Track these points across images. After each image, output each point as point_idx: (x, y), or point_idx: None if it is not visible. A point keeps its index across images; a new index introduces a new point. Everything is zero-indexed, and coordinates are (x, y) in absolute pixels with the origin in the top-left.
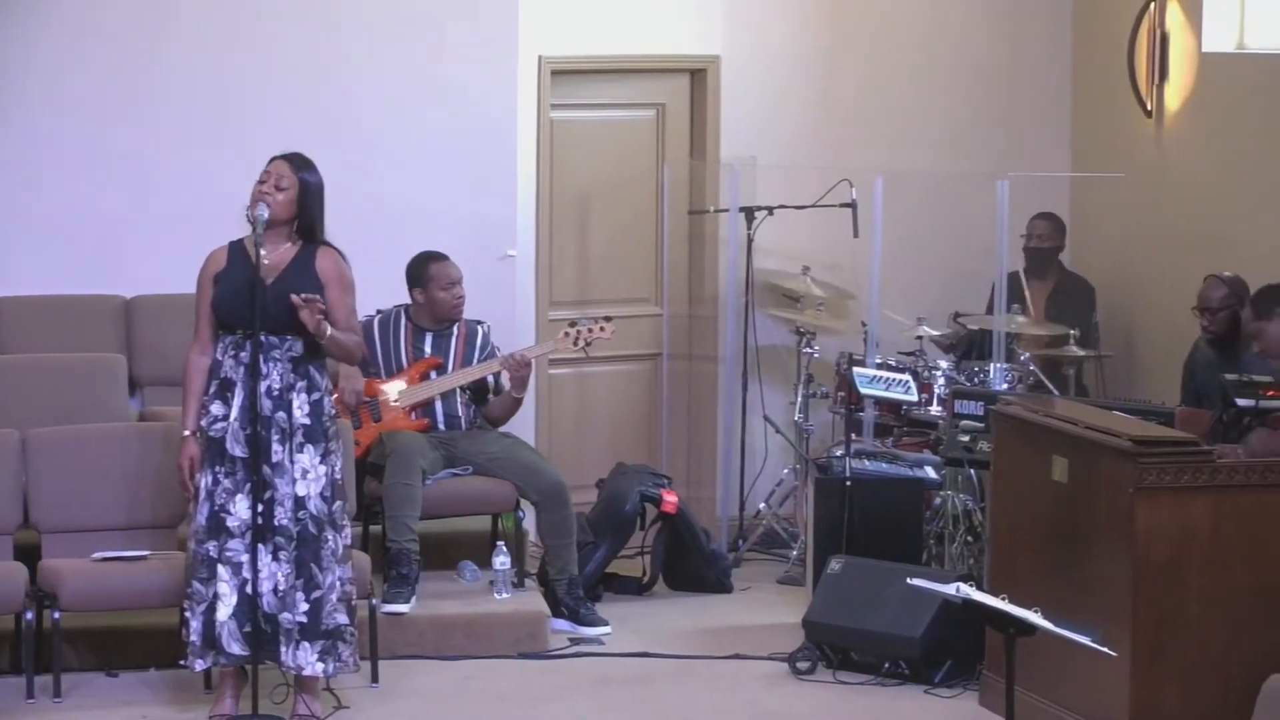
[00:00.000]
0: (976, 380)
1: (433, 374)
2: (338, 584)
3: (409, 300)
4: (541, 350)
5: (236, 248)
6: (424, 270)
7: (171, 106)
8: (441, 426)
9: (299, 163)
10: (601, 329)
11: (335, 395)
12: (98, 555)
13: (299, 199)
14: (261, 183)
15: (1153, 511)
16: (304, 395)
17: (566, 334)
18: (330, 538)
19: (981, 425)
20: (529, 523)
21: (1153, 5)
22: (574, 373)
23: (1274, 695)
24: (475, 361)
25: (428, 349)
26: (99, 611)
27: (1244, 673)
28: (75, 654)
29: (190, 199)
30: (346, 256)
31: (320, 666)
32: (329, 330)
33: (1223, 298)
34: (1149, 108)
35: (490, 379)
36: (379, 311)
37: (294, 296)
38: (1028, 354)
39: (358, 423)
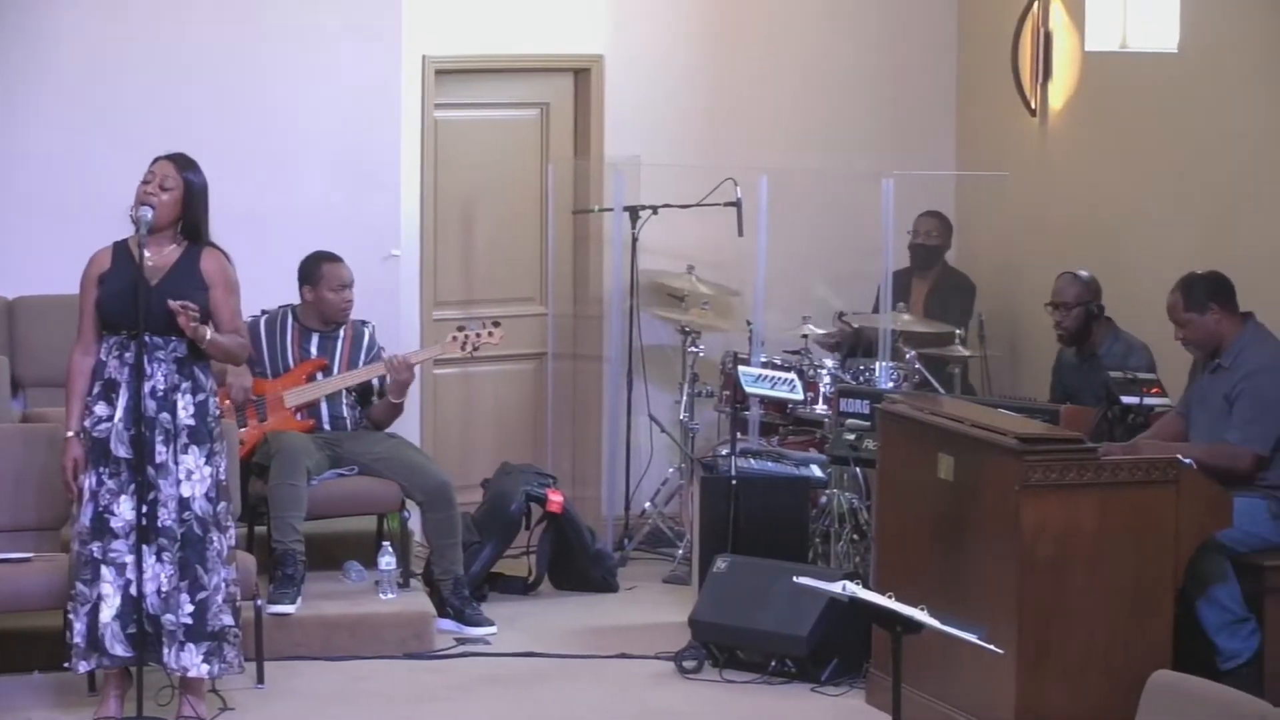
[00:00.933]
0: (862, 379)
1: (319, 375)
2: (223, 585)
3: (296, 299)
4: (429, 354)
5: (120, 248)
6: (316, 269)
7: (53, 106)
8: (327, 427)
9: (183, 163)
10: (490, 334)
11: (223, 393)
12: None
13: (184, 200)
14: (146, 184)
15: (1038, 509)
16: (189, 396)
17: (455, 338)
18: (215, 539)
19: (867, 424)
20: (414, 523)
21: (1036, 5)
22: (459, 373)
23: (1158, 691)
24: (361, 363)
25: (314, 350)
26: None
27: (1129, 668)
28: None
29: (73, 199)
30: (231, 257)
31: (205, 668)
32: (208, 334)
33: (1077, 294)
34: (1033, 106)
35: (375, 381)
36: (264, 312)
37: (170, 303)
38: (913, 352)
39: (243, 422)
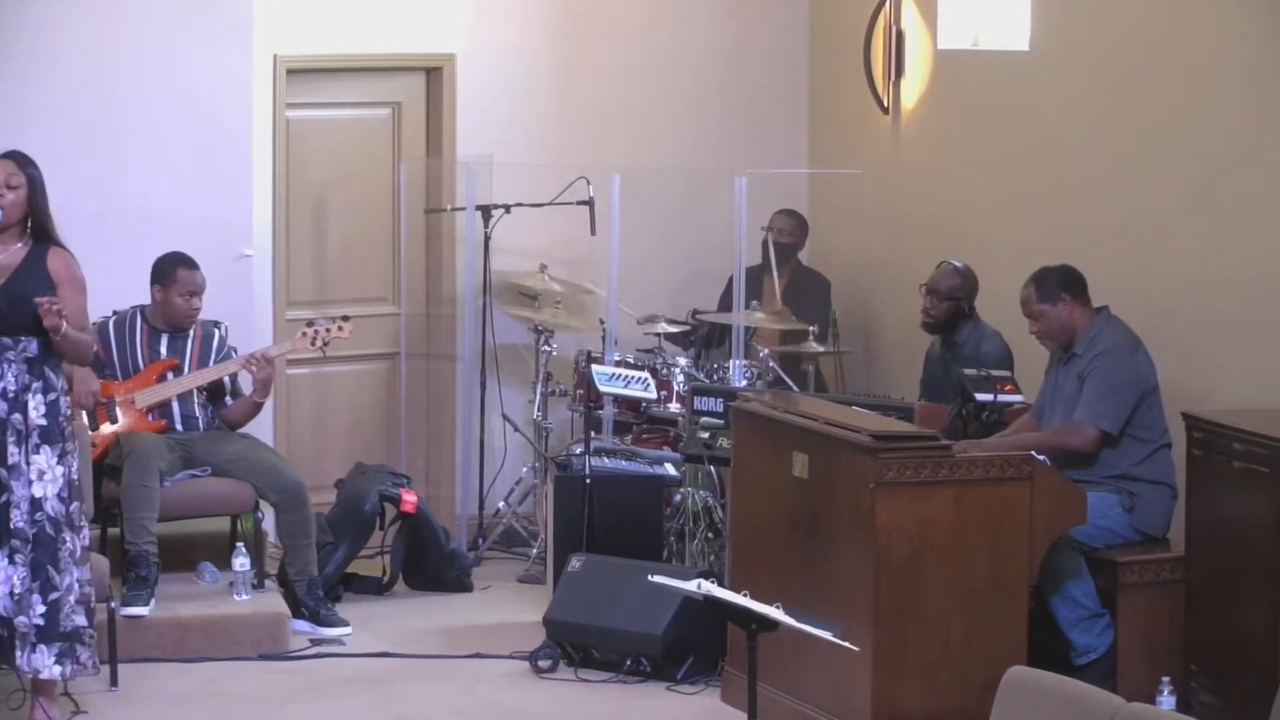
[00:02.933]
0: (716, 377)
1: (169, 375)
2: (76, 585)
3: (146, 300)
4: (279, 350)
5: None
6: (171, 271)
7: None
8: (179, 427)
9: (24, 160)
10: (340, 328)
11: (71, 397)
12: None
13: (30, 197)
14: None
15: (893, 506)
16: (40, 396)
17: (304, 334)
18: (68, 539)
19: (721, 422)
20: (268, 523)
21: (888, 3)
22: (312, 373)
23: (1013, 687)
24: (212, 362)
25: (164, 350)
26: None
27: (984, 665)
28: None
29: None
30: (76, 257)
31: (58, 670)
32: (65, 327)
33: (950, 289)
34: (885, 104)
35: (227, 380)
36: (115, 313)
37: (38, 300)
38: (767, 350)
39: (95, 424)
